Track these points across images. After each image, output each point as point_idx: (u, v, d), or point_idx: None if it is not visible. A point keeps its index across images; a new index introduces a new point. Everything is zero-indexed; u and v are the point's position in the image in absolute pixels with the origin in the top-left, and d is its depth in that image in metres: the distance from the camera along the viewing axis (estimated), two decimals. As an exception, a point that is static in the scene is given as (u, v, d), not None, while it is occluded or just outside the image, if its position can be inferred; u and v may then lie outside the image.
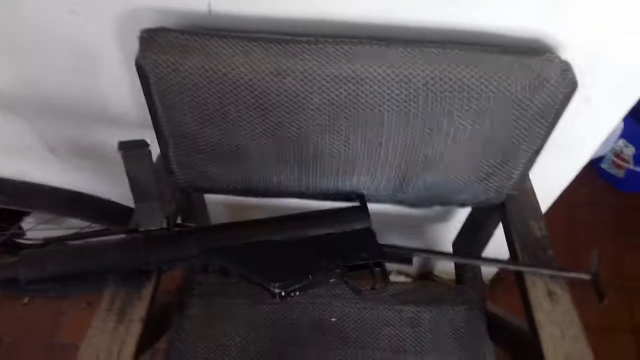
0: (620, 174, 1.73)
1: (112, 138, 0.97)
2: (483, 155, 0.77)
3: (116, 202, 1.04)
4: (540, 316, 0.77)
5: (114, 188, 1.05)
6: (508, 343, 0.98)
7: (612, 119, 0.88)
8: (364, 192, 0.85)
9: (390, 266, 1.44)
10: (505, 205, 0.88)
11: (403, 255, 0.79)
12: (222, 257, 0.72)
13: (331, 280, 0.75)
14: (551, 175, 0.97)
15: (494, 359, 0.97)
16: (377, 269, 0.77)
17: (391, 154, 0.77)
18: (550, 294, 0.79)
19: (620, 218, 1.71)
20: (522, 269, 0.80)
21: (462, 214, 1.12)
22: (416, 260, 1.35)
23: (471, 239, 1.06)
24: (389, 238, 1.26)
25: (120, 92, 0.86)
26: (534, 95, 0.70)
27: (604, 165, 1.77)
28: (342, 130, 0.73)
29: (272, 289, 0.71)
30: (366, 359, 0.96)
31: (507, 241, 0.87)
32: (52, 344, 1.42)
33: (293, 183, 0.83)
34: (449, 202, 0.88)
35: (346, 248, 0.76)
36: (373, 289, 0.77)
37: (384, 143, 0.75)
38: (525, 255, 0.83)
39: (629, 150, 1.65)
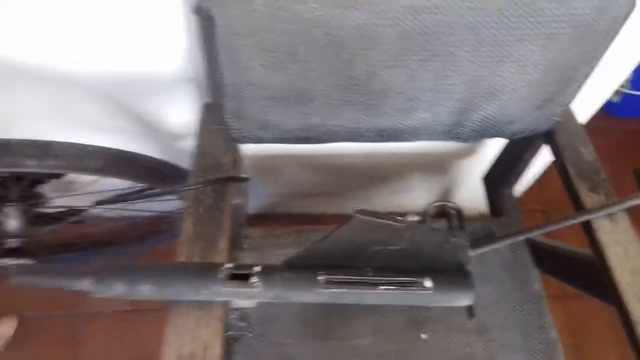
0: (615, 99, 1.77)
1: (152, 97, 0.95)
2: (545, 81, 0.78)
3: (164, 161, 1.00)
4: (603, 237, 0.79)
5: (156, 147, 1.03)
6: (553, 266, 1.01)
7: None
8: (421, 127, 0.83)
9: (404, 206, 1.45)
10: (552, 133, 0.89)
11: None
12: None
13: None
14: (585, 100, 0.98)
15: (540, 284, 1.00)
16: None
17: (457, 87, 0.76)
18: (610, 215, 0.81)
19: (619, 144, 1.76)
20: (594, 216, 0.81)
21: (491, 147, 1.13)
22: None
23: (506, 172, 1.08)
24: (411, 177, 1.29)
25: (164, 45, 0.82)
26: (601, 16, 0.70)
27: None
28: (412, 64, 0.72)
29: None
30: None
31: (558, 167, 0.89)
32: (77, 314, 1.40)
33: (352, 125, 0.82)
34: (501, 134, 0.89)
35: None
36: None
37: (451, 75, 0.74)
38: (581, 181, 0.84)
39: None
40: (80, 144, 0.89)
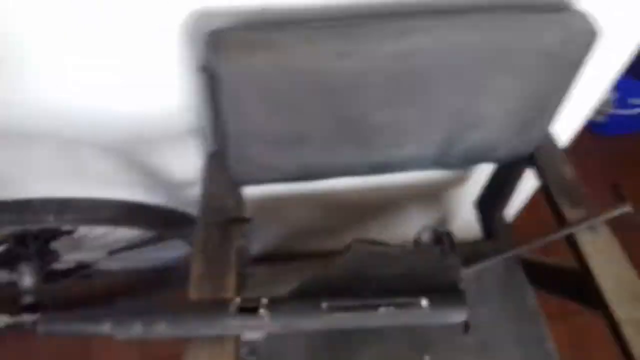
0: (600, 119, 1.85)
1: (158, 150, 1.02)
2: (522, 110, 0.85)
3: (173, 208, 1.07)
4: (586, 248, 0.84)
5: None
6: (545, 282, 1.06)
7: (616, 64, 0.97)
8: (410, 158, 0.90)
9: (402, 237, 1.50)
10: (534, 156, 0.95)
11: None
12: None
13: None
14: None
15: (534, 300, 1.04)
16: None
17: (441, 120, 0.83)
18: (591, 228, 0.86)
19: (605, 162, 1.82)
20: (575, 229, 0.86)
21: (480, 173, 1.19)
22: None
23: (496, 196, 1.14)
24: (407, 209, 1.34)
25: (167, 102, 0.89)
26: (567, 48, 0.77)
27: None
28: (399, 103, 0.79)
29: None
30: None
31: (542, 188, 0.94)
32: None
33: (348, 160, 0.88)
34: (487, 159, 0.95)
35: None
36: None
37: (435, 110, 0.81)
38: (563, 198, 0.90)
39: (611, 96, 1.77)
40: (94, 198, 0.95)
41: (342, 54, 0.71)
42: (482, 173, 1.18)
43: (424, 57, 0.74)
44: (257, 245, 1.41)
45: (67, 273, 1.32)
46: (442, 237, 0.83)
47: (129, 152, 1.01)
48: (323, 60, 0.72)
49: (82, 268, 1.34)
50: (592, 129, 1.88)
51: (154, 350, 1.40)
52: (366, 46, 0.72)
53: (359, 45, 0.72)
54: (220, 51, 0.70)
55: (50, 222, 0.91)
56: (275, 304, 0.72)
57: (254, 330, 0.72)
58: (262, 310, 0.71)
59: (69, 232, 1.17)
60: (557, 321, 1.07)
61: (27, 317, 0.95)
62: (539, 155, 0.95)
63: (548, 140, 0.97)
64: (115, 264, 1.38)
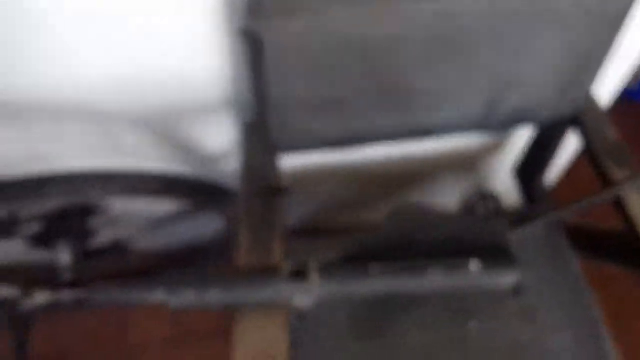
0: (633, 85, 1.81)
1: (192, 124, 1.02)
2: (564, 68, 0.83)
3: (212, 180, 1.07)
4: (636, 209, 0.84)
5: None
6: (589, 247, 1.04)
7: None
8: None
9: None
10: (578, 118, 0.94)
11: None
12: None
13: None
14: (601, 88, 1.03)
15: (578, 265, 1.03)
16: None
17: (482, 81, 0.82)
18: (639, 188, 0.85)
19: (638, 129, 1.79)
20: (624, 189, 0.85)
21: (520, 139, 1.18)
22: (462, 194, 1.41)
23: (537, 161, 1.12)
24: (444, 179, 1.33)
25: (204, 71, 0.88)
26: (608, 4, 0.76)
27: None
28: (438, 64, 0.78)
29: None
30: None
31: (586, 149, 0.93)
32: (123, 348, 1.43)
33: (389, 124, 0.88)
34: (529, 120, 0.94)
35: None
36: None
37: (476, 71, 0.80)
38: (608, 159, 0.89)
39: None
40: (135, 170, 0.95)
41: (383, 15, 0.71)
42: (521, 139, 1.16)
43: (463, 17, 0.73)
44: (292, 219, 1.42)
45: (102, 251, 1.33)
46: (488, 201, 0.82)
47: (162, 125, 1.01)
48: (363, 22, 0.72)
49: (117, 246, 1.36)
50: (627, 97, 1.84)
51: (189, 327, 1.42)
52: (405, 7, 0.71)
53: (397, 7, 0.71)
54: (262, 16, 0.69)
55: (95, 195, 0.91)
56: (325, 269, 0.72)
57: (305, 295, 0.72)
58: (313, 275, 0.71)
59: (104, 210, 1.17)
60: (595, 289, 1.06)
61: (68, 294, 0.97)
62: (583, 117, 0.94)
63: (590, 102, 0.95)
64: (150, 242, 1.39)
